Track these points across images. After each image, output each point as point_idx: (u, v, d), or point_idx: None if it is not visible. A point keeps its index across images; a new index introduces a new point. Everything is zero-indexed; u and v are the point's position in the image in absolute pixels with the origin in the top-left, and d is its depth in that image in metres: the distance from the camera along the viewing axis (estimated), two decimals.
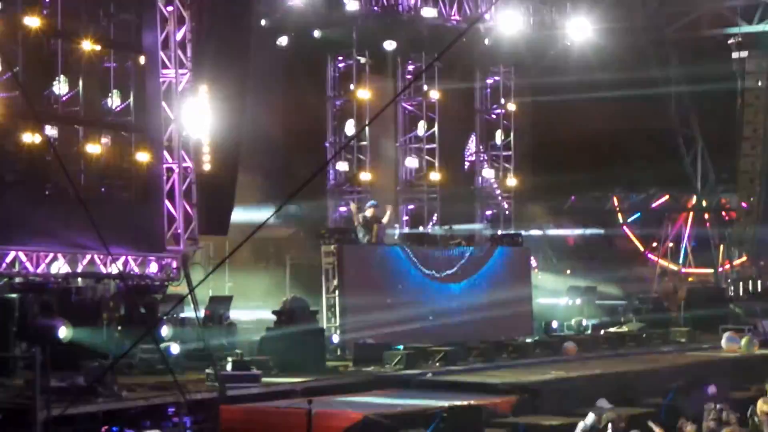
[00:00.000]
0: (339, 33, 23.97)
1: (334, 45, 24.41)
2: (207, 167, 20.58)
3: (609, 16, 27.41)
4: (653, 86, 28.28)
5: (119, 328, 16.16)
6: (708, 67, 27.33)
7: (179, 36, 19.32)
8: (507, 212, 27.49)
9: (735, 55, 28.03)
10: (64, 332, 15.04)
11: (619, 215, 32.62)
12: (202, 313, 16.98)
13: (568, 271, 29.33)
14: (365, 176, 24.12)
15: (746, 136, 28.76)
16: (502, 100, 27.34)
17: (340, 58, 24.74)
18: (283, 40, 23.56)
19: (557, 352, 19.94)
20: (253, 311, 19.55)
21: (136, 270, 18.41)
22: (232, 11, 20.91)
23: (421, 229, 25.09)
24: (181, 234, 19.18)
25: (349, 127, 24.37)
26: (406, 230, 24.94)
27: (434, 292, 21.16)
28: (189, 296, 15.34)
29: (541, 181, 28.60)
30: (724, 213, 30.83)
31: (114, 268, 18.00)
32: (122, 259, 18.21)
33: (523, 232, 24.93)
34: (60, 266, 17.49)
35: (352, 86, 24.32)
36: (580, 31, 26.95)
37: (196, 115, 20.07)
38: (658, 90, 28.58)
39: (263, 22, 22.98)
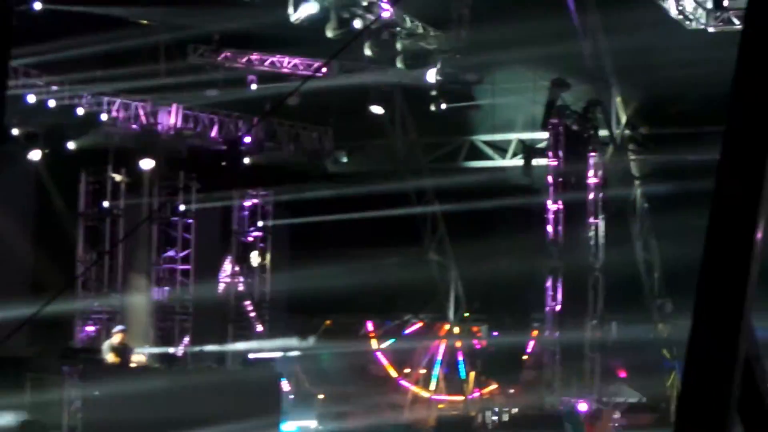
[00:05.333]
0: (95, 148, 24.44)
1: (88, 160, 24.83)
2: None
3: None
4: (408, 205, 29.80)
5: None
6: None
7: None
8: (261, 333, 28.23)
9: None
10: None
11: (373, 341, 33.65)
12: None
13: (321, 396, 30.01)
14: (116, 296, 24.49)
15: None
16: (260, 222, 28.32)
17: (95, 174, 25.17)
18: (35, 154, 23.84)
19: None
20: None
21: None
22: None
23: (171, 350, 25.49)
24: None
25: (101, 245, 24.76)
26: (155, 350, 25.30)
27: None
28: None
29: (299, 301, 29.49)
30: (475, 341, 32.29)
31: None
32: None
33: (278, 355, 25.64)
34: None
35: (106, 203, 24.77)
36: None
37: None
38: (412, 210, 30.09)
39: (15, 132, 23.25)
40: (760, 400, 3.48)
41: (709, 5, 21.95)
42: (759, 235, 3.42)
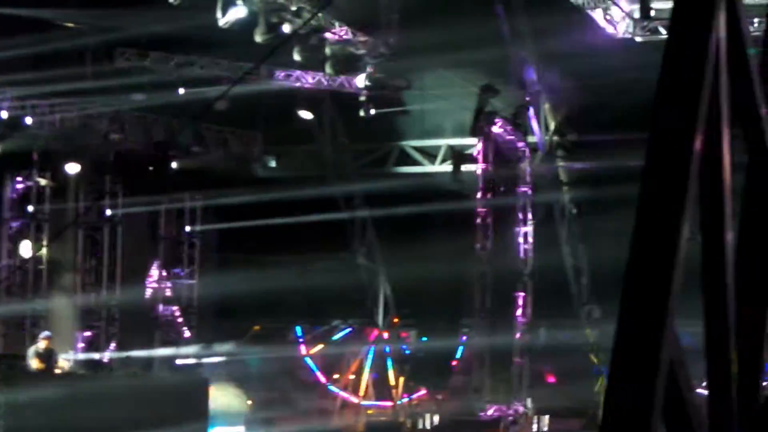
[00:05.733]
0: (19, 152, 24.19)
1: (13, 164, 24.56)
2: None
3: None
4: (337, 210, 29.82)
5: None
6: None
7: None
8: (188, 338, 28.07)
9: None
10: None
11: (302, 346, 33.58)
12: None
13: (249, 402, 29.88)
14: (41, 301, 24.23)
15: None
16: (188, 227, 28.14)
17: (19, 178, 24.89)
18: None
19: None
20: None
21: None
22: None
23: (96, 356, 25.26)
24: None
25: (25, 250, 24.47)
26: (81, 356, 25.06)
27: None
28: None
29: (227, 306, 29.37)
30: (404, 347, 32.36)
31: None
32: None
33: (208, 360, 25.50)
34: None
35: (30, 208, 24.49)
36: None
37: None
38: (341, 216, 30.11)
39: None
40: (684, 405, 3.52)
41: (637, 15, 22.20)
42: (683, 240, 3.46)
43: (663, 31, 21.95)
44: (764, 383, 4.04)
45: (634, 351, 3.33)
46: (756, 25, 16.80)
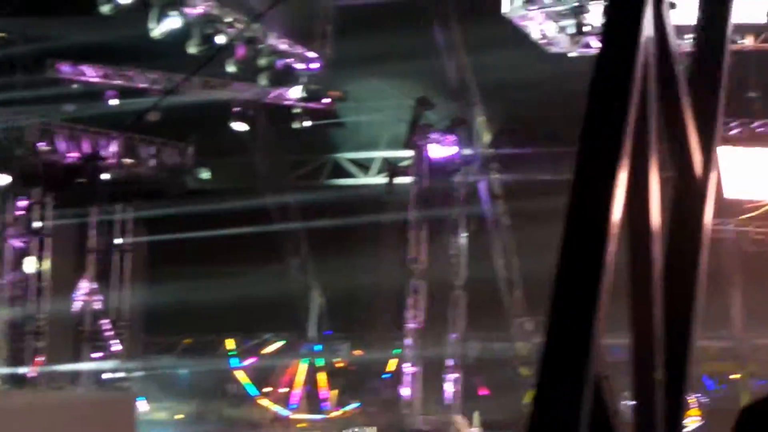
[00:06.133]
0: None
1: None
2: None
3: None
4: (270, 222, 29.72)
5: None
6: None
7: None
8: (117, 351, 27.80)
9: None
10: None
11: (233, 359, 33.41)
12: None
13: (178, 416, 29.68)
14: None
15: None
16: (118, 239, 27.91)
17: None
18: None
19: None
20: None
21: None
22: None
23: (21, 370, 24.93)
24: None
25: None
26: (5, 371, 24.72)
27: None
28: None
29: (157, 319, 29.14)
30: (337, 360, 32.31)
31: None
32: None
33: (137, 374, 25.28)
34: None
35: None
36: None
37: None
38: (275, 228, 30.01)
39: None
40: (610, 418, 3.55)
41: (571, 30, 22.38)
42: (609, 255, 3.49)
43: (596, 46, 22.16)
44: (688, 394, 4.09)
45: (561, 364, 3.35)
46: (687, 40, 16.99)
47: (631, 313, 3.99)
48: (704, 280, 4.47)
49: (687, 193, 4.49)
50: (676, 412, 3.99)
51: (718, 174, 4.92)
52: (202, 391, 31.69)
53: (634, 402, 3.91)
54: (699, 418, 25.15)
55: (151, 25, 20.86)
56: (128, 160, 27.06)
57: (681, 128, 4.43)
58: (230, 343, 33.26)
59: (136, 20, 21.15)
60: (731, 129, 24.59)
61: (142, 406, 25.95)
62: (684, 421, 4.14)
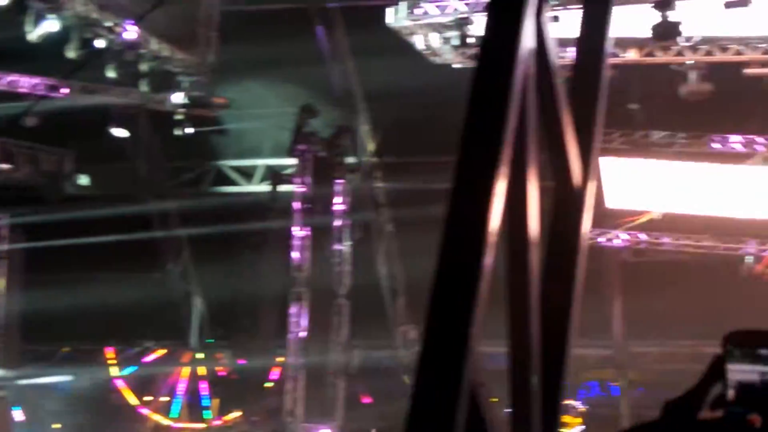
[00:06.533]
0: None
1: None
2: None
3: None
4: (151, 229, 29.41)
5: None
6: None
7: None
8: None
9: None
10: None
11: (113, 368, 32.96)
12: None
13: (57, 426, 29.21)
14: None
15: None
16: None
17: None
18: None
19: None
20: None
21: None
22: None
23: None
24: None
25: None
26: None
27: None
28: None
29: (34, 327, 28.65)
30: (218, 368, 32.09)
31: None
32: None
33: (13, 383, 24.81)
34: None
35: None
36: None
37: None
38: (155, 234, 29.70)
39: None
40: (484, 427, 3.57)
41: (455, 42, 22.54)
42: (487, 263, 3.52)
43: None
44: (563, 402, 4.14)
45: (436, 373, 3.37)
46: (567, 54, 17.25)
47: (509, 320, 4.03)
48: (581, 289, 4.54)
49: (565, 203, 4.55)
50: (552, 418, 4.03)
51: (599, 184, 5.01)
52: (81, 401, 31.20)
53: (510, 409, 3.95)
54: (580, 425, 25.54)
55: (28, 28, 20.48)
56: (4, 166, 26.53)
57: (560, 138, 4.49)
58: (110, 352, 32.80)
59: (13, 23, 20.74)
60: (613, 140, 25.01)
61: (17, 415, 25.47)
62: (565, 429, 4.19)
